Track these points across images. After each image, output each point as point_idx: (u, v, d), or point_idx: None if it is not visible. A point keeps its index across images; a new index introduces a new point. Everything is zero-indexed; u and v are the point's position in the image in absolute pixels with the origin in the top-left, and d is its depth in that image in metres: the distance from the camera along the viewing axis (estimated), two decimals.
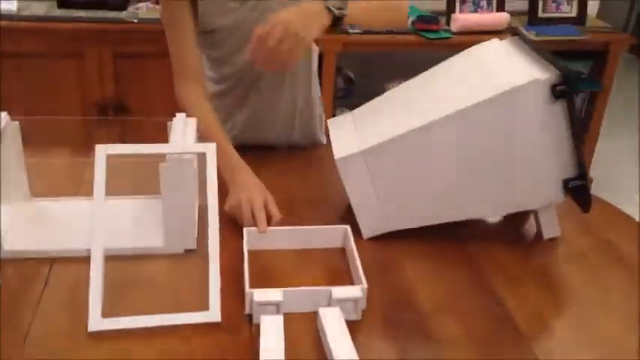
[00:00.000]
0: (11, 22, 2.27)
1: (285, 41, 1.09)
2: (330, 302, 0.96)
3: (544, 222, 1.17)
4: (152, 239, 1.10)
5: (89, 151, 1.48)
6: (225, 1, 1.32)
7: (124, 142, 2.29)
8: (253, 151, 1.34)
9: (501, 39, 1.25)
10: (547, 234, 1.19)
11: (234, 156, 1.25)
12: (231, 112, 1.48)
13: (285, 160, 1.46)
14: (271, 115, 1.48)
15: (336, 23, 1.18)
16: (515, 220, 1.25)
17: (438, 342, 0.94)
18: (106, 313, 0.93)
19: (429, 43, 2.58)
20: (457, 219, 1.16)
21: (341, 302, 0.95)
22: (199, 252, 1.10)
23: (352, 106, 2.82)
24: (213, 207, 1.00)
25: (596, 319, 1.01)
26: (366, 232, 1.16)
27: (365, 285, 0.97)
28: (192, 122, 1.15)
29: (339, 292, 0.96)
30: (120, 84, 2.39)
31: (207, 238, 0.98)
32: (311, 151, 1.57)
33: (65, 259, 1.07)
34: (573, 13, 2.89)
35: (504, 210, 1.18)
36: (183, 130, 1.12)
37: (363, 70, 2.87)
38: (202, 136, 1.23)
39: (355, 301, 0.96)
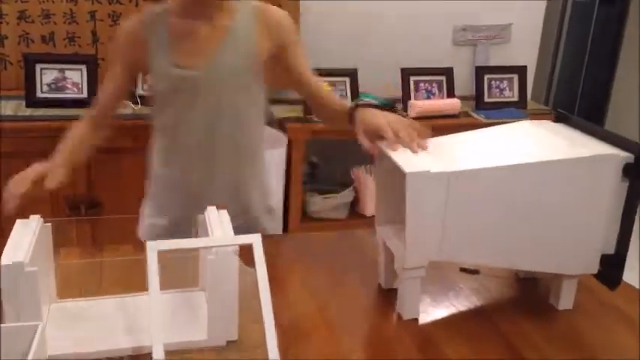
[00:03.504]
0: None
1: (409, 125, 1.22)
2: None
3: (564, 293, 1.25)
4: (195, 332, 1.10)
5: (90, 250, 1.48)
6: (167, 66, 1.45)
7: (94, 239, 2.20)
8: None
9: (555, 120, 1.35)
10: (563, 305, 1.26)
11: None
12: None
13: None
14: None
15: None
16: (529, 294, 1.32)
17: None
18: None
19: None
20: (504, 266, 1.25)
21: None
22: (240, 343, 1.11)
23: (320, 191, 2.90)
24: (266, 298, 1.01)
25: None
26: (412, 261, 1.16)
27: None
28: (225, 214, 1.18)
29: None
30: (92, 180, 2.37)
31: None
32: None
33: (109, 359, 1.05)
34: (515, 98, 3.12)
35: (545, 268, 1.24)
36: (219, 223, 1.14)
37: (327, 156, 2.96)
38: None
39: None
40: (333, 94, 1.57)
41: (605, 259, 1.20)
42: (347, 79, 2.81)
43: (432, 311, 1.25)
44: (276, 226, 1.74)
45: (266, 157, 1.66)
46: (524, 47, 3.39)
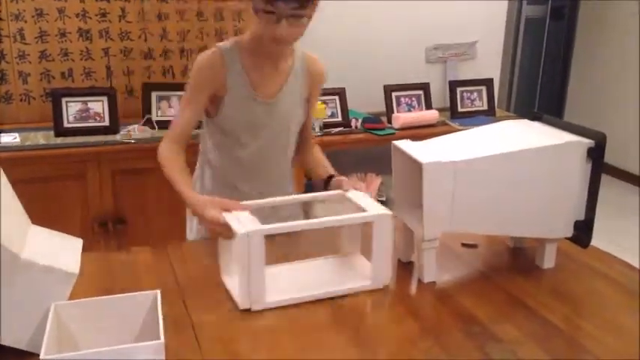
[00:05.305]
0: (15, 152, 2.49)
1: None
2: None
3: (547, 255, 1.57)
4: (361, 280, 1.48)
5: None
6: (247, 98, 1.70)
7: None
8: None
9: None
10: (547, 265, 1.58)
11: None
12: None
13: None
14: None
15: None
16: (519, 259, 1.65)
17: (504, 341, 1.29)
18: None
19: (379, 139, 3.03)
20: (500, 233, 1.61)
21: None
22: (392, 286, 1.49)
23: None
24: None
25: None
26: (429, 234, 1.46)
27: None
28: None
29: None
30: (118, 199, 2.63)
31: None
32: None
33: None
34: (485, 107, 3.49)
35: (532, 233, 1.55)
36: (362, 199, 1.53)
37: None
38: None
39: None
40: (321, 153, 1.92)
41: (577, 224, 1.53)
42: (337, 98, 3.13)
43: (445, 276, 1.55)
44: None
45: None
46: (488, 62, 3.78)
